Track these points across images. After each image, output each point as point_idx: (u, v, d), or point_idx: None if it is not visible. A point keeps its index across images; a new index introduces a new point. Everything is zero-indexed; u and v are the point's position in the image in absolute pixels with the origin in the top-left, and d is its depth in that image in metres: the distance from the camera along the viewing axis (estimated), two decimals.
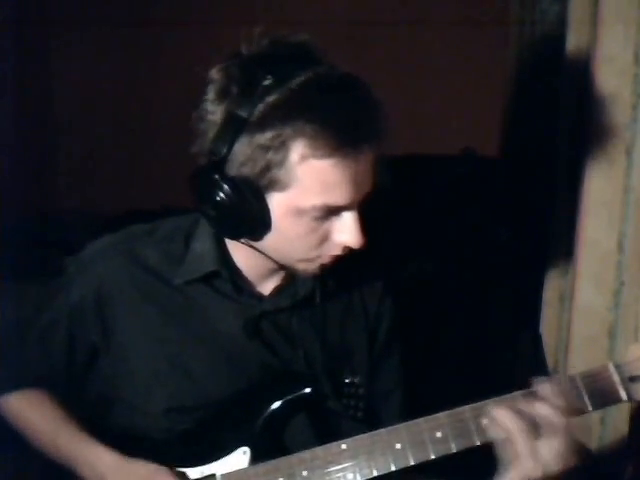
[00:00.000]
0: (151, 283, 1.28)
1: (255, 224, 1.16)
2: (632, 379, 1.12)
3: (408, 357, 1.42)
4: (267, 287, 1.31)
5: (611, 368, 1.12)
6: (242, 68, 1.13)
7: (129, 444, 1.26)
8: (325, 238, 1.19)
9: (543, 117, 1.97)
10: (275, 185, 1.13)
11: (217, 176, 1.13)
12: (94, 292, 1.29)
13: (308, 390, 1.23)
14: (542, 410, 1.07)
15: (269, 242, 1.19)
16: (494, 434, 1.09)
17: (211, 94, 1.15)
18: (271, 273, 1.29)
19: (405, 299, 1.44)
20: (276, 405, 1.23)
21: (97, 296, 1.28)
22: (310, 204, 1.13)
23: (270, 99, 1.10)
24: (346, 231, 1.17)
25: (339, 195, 1.13)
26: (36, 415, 1.33)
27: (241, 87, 1.12)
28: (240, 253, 1.27)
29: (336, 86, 1.12)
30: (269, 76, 1.10)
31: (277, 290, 1.30)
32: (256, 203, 1.14)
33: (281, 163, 1.11)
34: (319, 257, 1.21)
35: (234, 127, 1.11)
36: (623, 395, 1.11)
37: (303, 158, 1.10)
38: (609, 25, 1.41)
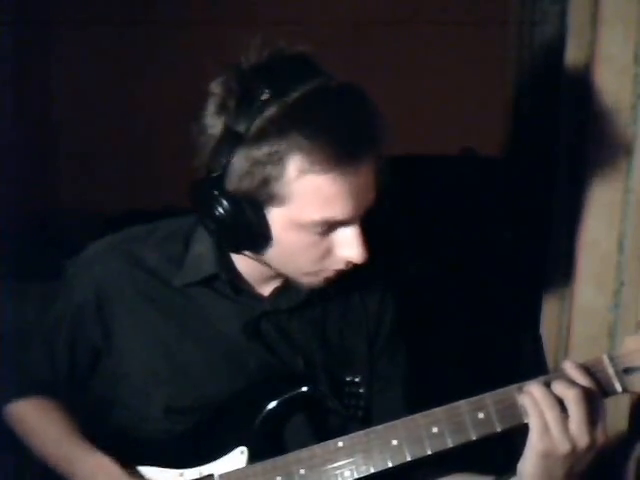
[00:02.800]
0: (150, 284, 1.28)
1: (255, 238, 1.16)
2: (626, 371, 1.12)
3: (408, 356, 1.42)
4: (267, 288, 1.30)
5: (605, 360, 1.12)
6: (240, 82, 1.12)
7: (128, 445, 1.26)
8: (328, 252, 1.18)
9: (543, 117, 1.97)
10: (274, 200, 1.12)
11: (216, 191, 1.13)
12: (94, 294, 1.29)
13: (304, 389, 1.23)
14: (573, 388, 1.08)
15: (272, 255, 1.19)
16: (527, 408, 1.09)
17: (211, 108, 1.15)
18: (272, 277, 1.29)
19: (405, 299, 1.44)
20: (273, 404, 1.23)
21: (97, 298, 1.28)
22: (309, 219, 1.13)
23: (267, 113, 1.09)
24: (348, 246, 1.17)
25: (339, 210, 1.12)
26: (39, 424, 1.33)
27: (239, 101, 1.11)
28: (241, 258, 1.27)
29: (333, 99, 1.11)
30: (267, 90, 1.09)
31: (277, 291, 1.30)
32: (255, 218, 1.14)
33: (278, 178, 1.10)
34: (322, 271, 1.21)
35: (231, 142, 1.11)
36: (618, 387, 1.12)
37: (300, 173, 1.09)
38: (609, 25, 1.41)
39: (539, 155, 2.02)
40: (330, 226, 1.15)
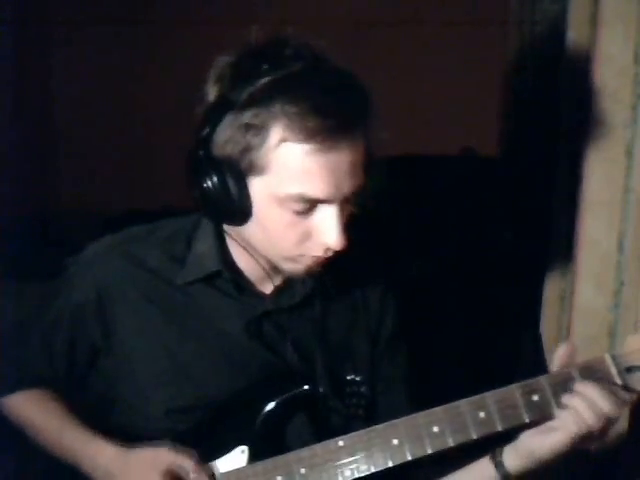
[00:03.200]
0: (152, 283, 1.28)
1: (235, 208, 1.16)
2: (629, 370, 1.12)
3: (409, 356, 1.42)
4: (269, 287, 1.31)
5: (608, 359, 1.12)
6: (240, 56, 1.15)
7: (129, 443, 1.26)
8: (307, 236, 1.17)
9: (543, 117, 1.97)
10: (254, 168, 1.14)
11: (203, 155, 1.15)
12: (94, 293, 1.29)
13: (305, 388, 1.23)
14: (607, 396, 1.09)
15: (253, 233, 1.20)
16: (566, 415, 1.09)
17: (210, 79, 1.18)
18: (272, 273, 1.29)
19: (405, 299, 1.44)
20: (273, 404, 1.23)
21: (97, 297, 1.29)
22: (285, 192, 1.13)
23: (259, 83, 1.11)
24: (326, 231, 1.16)
25: (316, 186, 1.12)
26: (39, 414, 1.34)
27: (235, 71, 1.14)
28: (242, 253, 1.27)
29: (324, 76, 1.13)
30: (264, 64, 1.12)
31: (278, 289, 1.30)
32: (236, 186, 1.15)
33: (260, 145, 1.12)
34: (302, 257, 1.20)
35: (222, 108, 1.14)
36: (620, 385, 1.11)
37: (281, 141, 1.11)
38: (609, 25, 1.41)
39: (539, 155, 2.02)
40: (309, 205, 1.14)
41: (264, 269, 1.27)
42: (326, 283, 1.30)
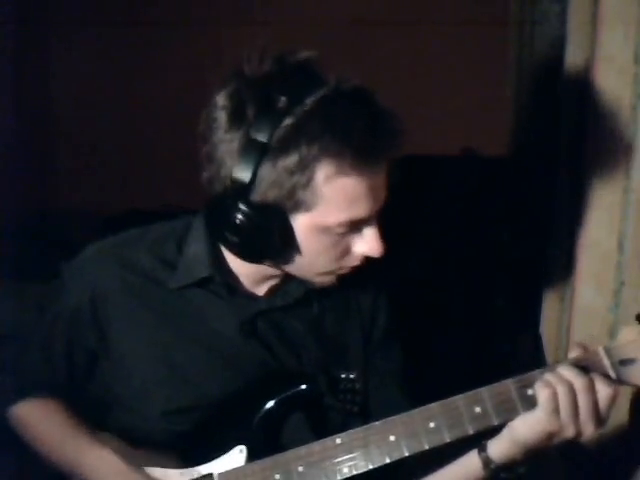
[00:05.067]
0: (144, 287, 1.28)
1: (281, 248, 1.17)
2: (623, 362, 1.11)
3: (407, 356, 1.42)
4: (263, 288, 1.30)
5: (601, 352, 1.12)
6: (253, 91, 1.12)
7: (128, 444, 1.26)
8: (346, 251, 1.20)
9: (543, 117, 1.97)
10: (300, 206, 1.13)
11: (242, 203, 1.13)
12: (88, 298, 1.29)
13: (303, 387, 1.24)
14: (582, 377, 1.09)
15: (291, 261, 1.20)
16: (538, 392, 1.09)
17: (223, 122, 1.14)
18: (268, 276, 1.29)
19: (405, 298, 1.44)
20: (271, 403, 1.23)
21: (92, 302, 1.29)
22: (336, 221, 1.14)
23: (289, 121, 1.09)
24: (368, 242, 1.19)
25: (363, 208, 1.14)
26: (43, 425, 1.33)
27: (257, 111, 1.11)
28: (237, 259, 1.27)
29: (350, 101, 1.12)
30: (283, 97, 1.10)
31: (272, 290, 1.30)
32: (282, 227, 1.15)
33: (307, 185, 1.11)
34: (339, 269, 1.22)
35: (255, 153, 1.11)
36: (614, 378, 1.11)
37: (329, 177, 1.10)
38: (609, 25, 1.41)
39: (539, 155, 2.02)
40: (352, 225, 1.16)
41: (260, 272, 1.27)
42: None
